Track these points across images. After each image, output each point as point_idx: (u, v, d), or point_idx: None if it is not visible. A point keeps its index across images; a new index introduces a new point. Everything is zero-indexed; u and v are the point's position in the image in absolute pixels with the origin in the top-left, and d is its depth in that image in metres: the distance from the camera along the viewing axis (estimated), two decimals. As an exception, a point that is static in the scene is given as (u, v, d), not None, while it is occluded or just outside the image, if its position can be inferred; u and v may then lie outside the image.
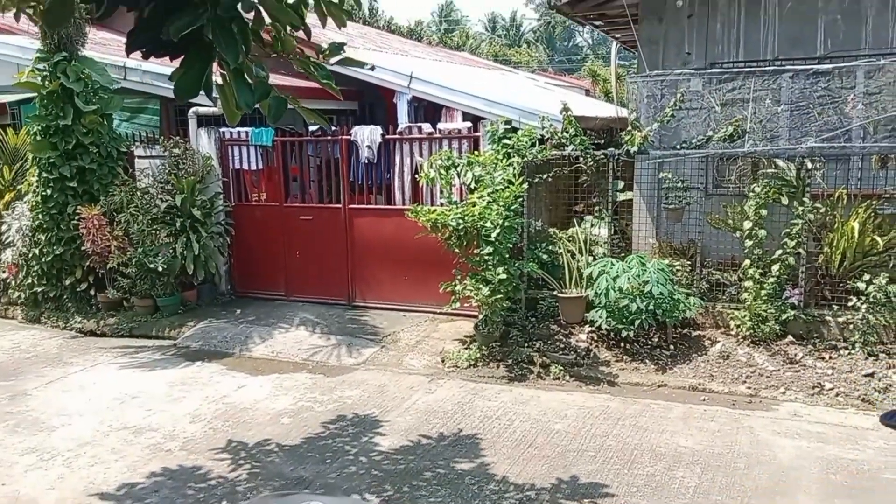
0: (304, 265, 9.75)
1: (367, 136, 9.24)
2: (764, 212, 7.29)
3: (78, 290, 9.69)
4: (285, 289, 9.93)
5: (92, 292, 9.70)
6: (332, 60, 3.05)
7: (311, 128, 9.48)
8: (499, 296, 7.44)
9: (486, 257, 7.46)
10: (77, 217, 9.25)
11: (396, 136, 9.22)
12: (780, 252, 7.25)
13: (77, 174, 9.43)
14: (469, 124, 8.99)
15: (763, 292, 7.17)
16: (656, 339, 7.45)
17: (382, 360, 7.79)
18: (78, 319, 9.52)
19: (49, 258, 9.55)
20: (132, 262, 9.13)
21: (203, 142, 9.87)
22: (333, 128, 9.64)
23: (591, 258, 8.05)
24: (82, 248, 9.28)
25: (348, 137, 9.37)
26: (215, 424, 6.25)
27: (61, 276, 9.72)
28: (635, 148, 8.06)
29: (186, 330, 8.94)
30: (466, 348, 7.73)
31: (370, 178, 9.41)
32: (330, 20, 2.93)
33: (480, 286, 7.44)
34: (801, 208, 7.24)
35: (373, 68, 9.35)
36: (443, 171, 7.98)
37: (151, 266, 9.04)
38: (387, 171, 9.38)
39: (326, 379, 7.35)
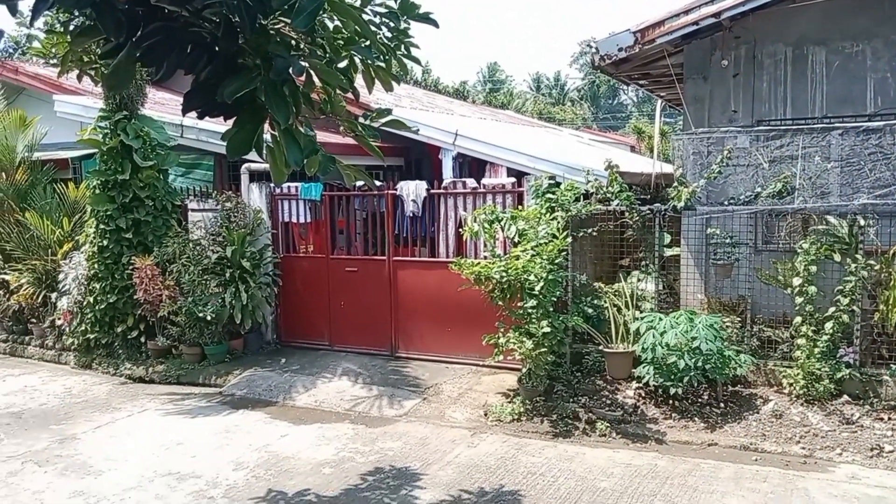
0: (349, 316, 9.85)
1: (412, 190, 9.40)
2: (814, 268, 7.14)
3: (129, 337, 9.94)
4: (329, 339, 10.02)
5: (142, 340, 9.94)
6: (380, 122, 3.15)
7: (358, 182, 9.67)
8: (543, 349, 7.37)
9: (530, 310, 7.43)
10: (131, 267, 9.55)
11: (441, 191, 9.36)
12: (833, 309, 7.06)
13: (132, 226, 9.77)
14: (513, 179, 9.08)
15: (816, 350, 6.97)
16: (706, 397, 7.26)
17: (424, 413, 7.75)
18: (128, 366, 9.74)
19: (103, 306, 9.85)
20: (182, 310, 9.35)
21: (255, 196, 10.16)
22: (379, 183, 9.83)
23: (637, 313, 7.95)
24: (135, 296, 9.56)
25: (394, 192, 9.54)
26: (258, 472, 6.27)
27: (113, 324, 9.99)
28: (682, 204, 8.01)
29: (232, 378, 9.06)
30: (510, 402, 7.64)
31: (415, 231, 9.53)
32: (378, 84, 3.05)
33: (524, 339, 7.39)
34: (854, 265, 7.08)
35: (417, 131, 9.59)
36: (486, 225, 8.05)
37: (200, 315, 9.24)
38: (431, 224, 9.49)
39: (368, 430, 7.34)
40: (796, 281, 7.17)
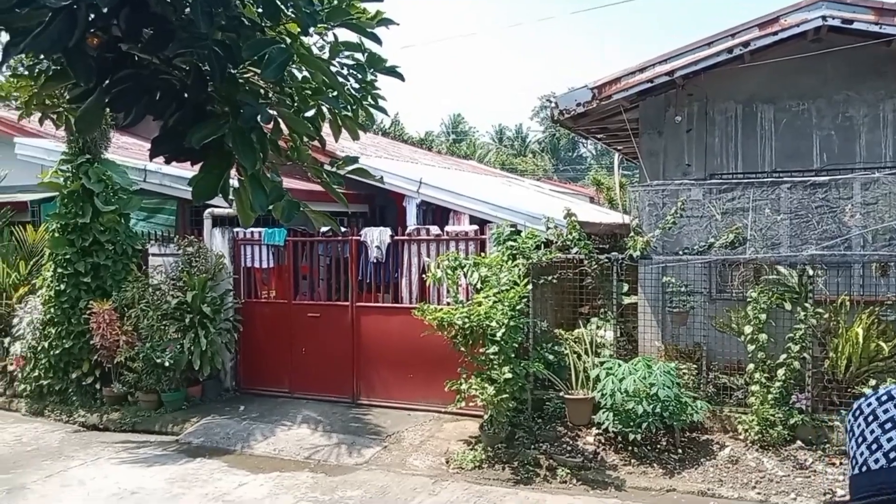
0: (310, 362, 9.78)
1: (376, 236, 9.48)
2: (764, 316, 7.36)
3: (84, 383, 9.71)
4: (290, 386, 9.91)
5: (97, 386, 9.71)
6: (346, 170, 3.23)
7: (323, 228, 9.74)
8: (504, 395, 7.41)
9: (492, 356, 7.49)
10: (88, 312, 9.39)
11: (405, 238, 9.46)
12: (784, 356, 7.26)
13: (91, 270, 9.65)
14: (476, 227, 9.22)
15: (770, 396, 7.13)
16: (664, 443, 7.35)
17: (385, 461, 7.68)
18: (82, 413, 9.49)
19: (58, 351, 9.63)
20: (139, 356, 9.20)
21: (217, 241, 10.13)
22: (343, 229, 9.91)
23: (597, 360, 8.06)
24: (91, 342, 9.38)
25: (358, 238, 9.61)
26: (213, 524, 6.14)
27: (68, 370, 9.76)
28: (638, 253, 8.22)
29: (189, 426, 8.88)
30: (471, 449, 7.63)
31: (378, 277, 9.58)
32: (344, 132, 3.14)
33: (486, 385, 7.43)
34: (804, 314, 7.31)
35: (382, 179, 9.72)
36: (449, 272, 8.14)
37: (158, 361, 9.09)
38: (395, 270, 9.56)
39: (328, 478, 7.24)
40: (748, 329, 7.37)
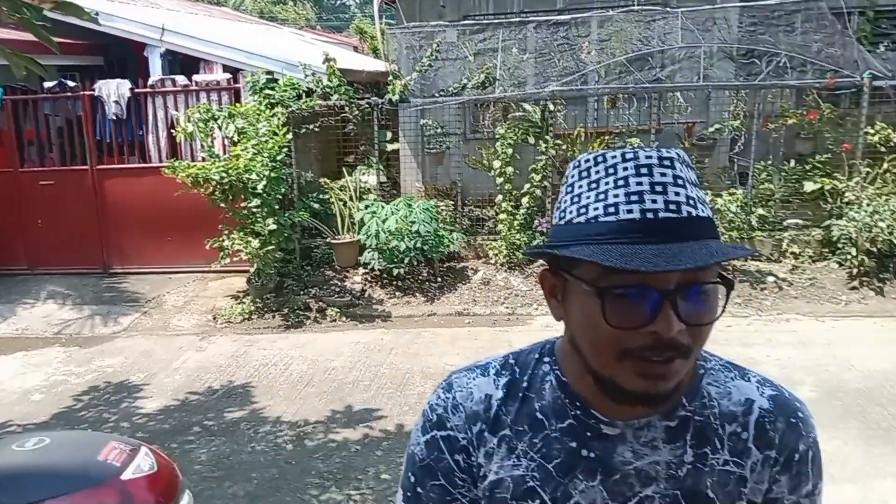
0: (49, 234, 8.83)
1: (113, 90, 8.54)
2: (510, 151, 7.84)
3: None
4: (28, 262, 8.93)
5: None
6: (48, 6, 2.74)
7: (47, 84, 8.57)
8: (270, 247, 7.32)
9: (255, 210, 7.29)
10: None
11: (147, 90, 8.63)
12: (528, 186, 7.85)
13: None
14: (229, 76, 8.63)
15: (516, 223, 7.75)
16: (425, 274, 7.79)
17: (146, 325, 7.36)
18: None
19: None
20: None
21: None
22: (73, 84, 8.79)
23: (362, 205, 8.16)
24: None
25: (91, 93, 8.59)
26: (-52, 410, 5.56)
27: None
28: (397, 97, 8.25)
29: None
30: (239, 303, 7.54)
31: (120, 136, 8.73)
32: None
33: (250, 239, 7.26)
34: (545, 146, 7.89)
35: (97, 18, 8.59)
36: (202, 125, 7.62)
37: None
38: (139, 127, 8.76)
39: (82, 350, 6.81)
40: (497, 164, 7.83)
